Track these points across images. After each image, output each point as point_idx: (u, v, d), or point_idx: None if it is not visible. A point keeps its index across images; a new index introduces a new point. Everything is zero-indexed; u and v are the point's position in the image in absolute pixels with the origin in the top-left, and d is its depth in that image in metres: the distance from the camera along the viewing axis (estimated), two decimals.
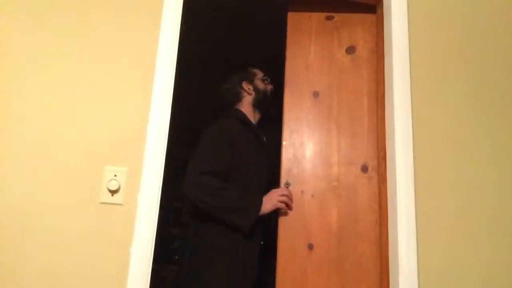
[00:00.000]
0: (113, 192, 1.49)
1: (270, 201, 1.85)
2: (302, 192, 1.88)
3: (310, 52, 2.04)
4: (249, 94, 2.17)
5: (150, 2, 1.69)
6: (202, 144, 1.94)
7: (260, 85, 2.18)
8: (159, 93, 1.60)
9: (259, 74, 2.23)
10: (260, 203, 1.87)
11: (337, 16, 2.05)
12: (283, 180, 1.91)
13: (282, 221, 1.87)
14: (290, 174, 1.91)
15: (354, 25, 2.05)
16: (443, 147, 1.82)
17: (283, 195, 1.83)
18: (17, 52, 1.55)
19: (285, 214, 1.87)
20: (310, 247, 1.82)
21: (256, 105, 2.16)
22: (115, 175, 1.50)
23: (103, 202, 1.48)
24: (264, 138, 2.18)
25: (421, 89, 1.86)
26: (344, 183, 1.89)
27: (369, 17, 2.05)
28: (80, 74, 1.57)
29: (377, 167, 1.89)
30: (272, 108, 2.18)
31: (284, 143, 1.95)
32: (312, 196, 1.88)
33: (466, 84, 1.92)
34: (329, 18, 2.05)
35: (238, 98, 2.17)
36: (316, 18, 2.07)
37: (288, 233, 1.85)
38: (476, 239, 1.75)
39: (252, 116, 2.16)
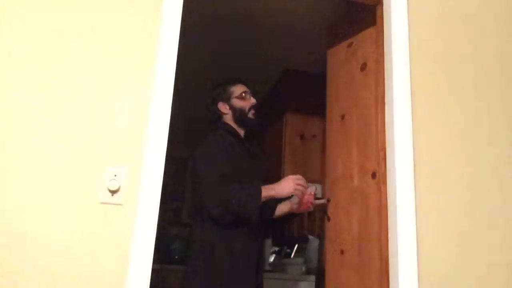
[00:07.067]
0: (113, 192, 1.49)
1: (287, 186, 1.91)
2: (342, 208, 2.05)
3: (339, 80, 2.23)
4: (226, 113, 2.21)
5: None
6: (203, 156, 1.98)
7: (237, 103, 2.19)
8: (159, 92, 1.60)
9: (237, 91, 2.22)
10: (259, 189, 1.88)
11: (355, 40, 2.17)
12: (325, 196, 2.16)
13: (327, 228, 2.12)
14: (328, 189, 2.18)
15: (365, 42, 2.10)
16: (443, 147, 1.82)
17: (299, 184, 1.90)
18: (15, 49, 1.54)
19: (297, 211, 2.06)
20: (342, 252, 1.99)
21: (236, 121, 2.19)
22: (115, 175, 1.50)
23: (103, 202, 1.48)
24: (253, 150, 2.21)
25: (421, 89, 1.86)
26: (361, 191, 1.95)
27: (375, 28, 2.08)
28: (79, 73, 1.57)
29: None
30: (252, 123, 2.21)
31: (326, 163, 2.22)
32: (342, 207, 2.05)
33: (466, 84, 1.92)
34: (349, 45, 2.20)
35: (219, 116, 2.23)
36: (343, 48, 2.25)
37: (331, 240, 2.07)
38: (476, 239, 1.75)
39: (238, 130, 2.20)
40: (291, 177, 1.94)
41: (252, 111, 2.21)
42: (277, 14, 3.09)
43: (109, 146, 1.53)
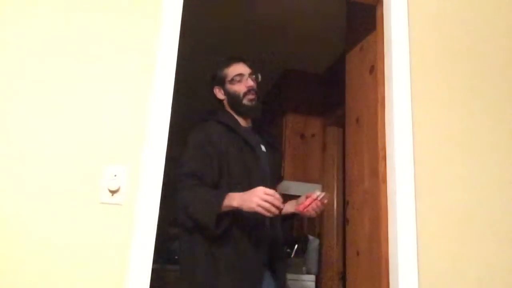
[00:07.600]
0: (113, 192, 1.49)
1: (250, 201, 1.61)
2: (357, 210, 2.06)
3: (354, 84, 2.24)
4: (222, 99, 1.99)
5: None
6: (182, 152, 1.85)
7: (231, 88, 1.95)
8: (159, 92, 1.60)
9: (230, 73, 1.96)
10: (221, 196, 1.66)
11: (365, 44, 2.16)
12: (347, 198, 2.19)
13: (347, 231, 2.14)
14: (346, 192, 2.20)
15: (371, 44, 2.10)
16: (443, 147, 1.82)
17: (265, 200, 1.58)
18: (14, 48, 1.54)
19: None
20: (357, 254, 2.00)
21: (232, 108, 1.96)
22: (115, 175, 1.50)
23: (103, 202, 1.48)
24: (262, 146, 1.97)
25: (421, 89, 1.86)
26: (371, 193, 1.94)
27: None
28: (79, 73, 1.57)
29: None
30: (247, 110, 1.94)
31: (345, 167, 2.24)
32: (357, 209, 2.07)
33: (466, 83, 1.92)
34: (361, 49, 2.21)
35: (218, 101, 2.02)
36: (356, 52, 2.26)
37: (349, 242, 2.11)
38: (476, 239, 1.75)
39: (240, 119, 1.96)
40: (260, 190, 1.61)
41: (249, 96, 1.92)
42: (277, 15, 3.09)
43: (109, 146, 1.53)
